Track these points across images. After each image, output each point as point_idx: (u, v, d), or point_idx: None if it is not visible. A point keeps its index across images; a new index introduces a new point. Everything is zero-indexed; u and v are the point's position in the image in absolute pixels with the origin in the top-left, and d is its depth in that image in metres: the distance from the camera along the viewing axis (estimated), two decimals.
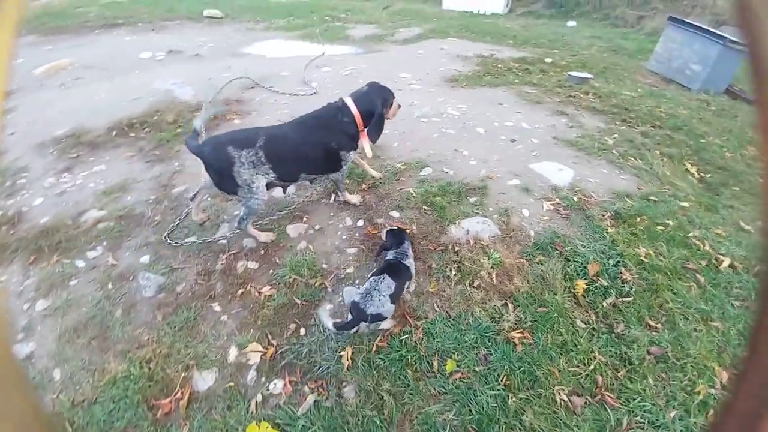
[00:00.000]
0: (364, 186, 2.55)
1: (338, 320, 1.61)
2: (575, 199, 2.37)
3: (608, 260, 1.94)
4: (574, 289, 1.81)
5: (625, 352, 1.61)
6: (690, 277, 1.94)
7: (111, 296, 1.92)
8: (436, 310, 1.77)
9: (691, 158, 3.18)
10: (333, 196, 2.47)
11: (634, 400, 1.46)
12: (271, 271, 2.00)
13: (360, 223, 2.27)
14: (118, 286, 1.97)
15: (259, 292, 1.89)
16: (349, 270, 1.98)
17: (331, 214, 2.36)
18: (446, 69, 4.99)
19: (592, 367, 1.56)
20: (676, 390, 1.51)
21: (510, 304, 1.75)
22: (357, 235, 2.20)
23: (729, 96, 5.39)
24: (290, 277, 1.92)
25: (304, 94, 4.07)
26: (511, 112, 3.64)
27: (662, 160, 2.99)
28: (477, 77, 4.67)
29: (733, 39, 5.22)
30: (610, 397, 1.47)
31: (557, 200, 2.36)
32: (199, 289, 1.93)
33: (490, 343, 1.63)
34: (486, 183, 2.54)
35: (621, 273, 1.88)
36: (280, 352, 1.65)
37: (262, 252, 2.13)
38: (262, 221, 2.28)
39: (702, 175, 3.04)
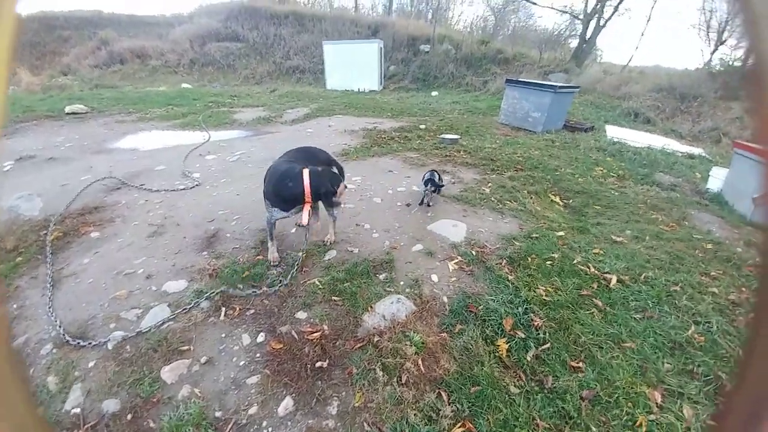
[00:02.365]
0: (264, 288, 2.25)
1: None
2: (474, 253, 2.47)
3: (518, 309, 1.98)
4: (498, 351, 1.75)
5: (562, 407, 1.55)
6: (589, 304, 2.09)
7: None
8: (366, 430, 1.49)
9: (553, 190, 3.75)
10: (223, 310, 2.10)
11: None
12: None
13: (261, 338, 1.93)
14: None
15: None
16: (252, 410, 1.59)
17: (223, 335, 1.96)
18: (336, 144, 5.23)
19: None
20: (618, 430, 1.47)
21: (443, 393, 1.58)
22: (258, 355, 1.84)
23: (567, 130, 6.83)
24: None
25: (183, 188, 3.69)
26: (401, 178, 3.87)
27: (531, 197, 3.44)
28: (365, 149, 4.97)
29: (561, 85, 6.77)
30: None
31: (459, 258, 2.43)
32: None
33: None
34: (392, 255, 2.49)
35: (532, 320, 1.92)
36: None
37: (129, 417, 1.59)
38: (125, 358, 1.75)
39: (566, 201, 3.57)
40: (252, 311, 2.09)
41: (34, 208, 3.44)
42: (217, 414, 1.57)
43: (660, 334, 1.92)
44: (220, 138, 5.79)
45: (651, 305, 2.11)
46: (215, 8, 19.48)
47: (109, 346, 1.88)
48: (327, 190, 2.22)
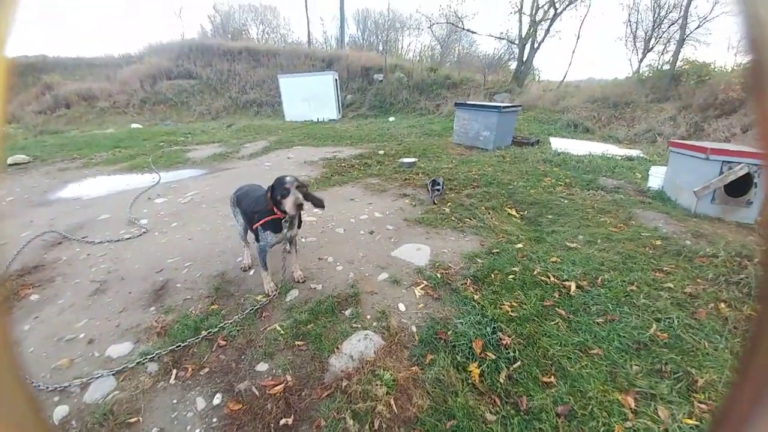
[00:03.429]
0: (219, 341, 2.07)
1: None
2: (439, 276, 2.46)
3: (486, 329, 1.97)
4: (471, 378, 1.71)
5: (539, 428, 1.52)
6: (553, 314, 2.12)
7: None
8: None
9: (508, 203, 3.90)
10: (174, 372, 1.89)
11: None
12: None
13: (217, 399, 1.75)
14: None
15: None
16: None
17: (174, 401, 1.76)
18: (296, 175, 5.16)
19: None
20: None
21: None
22: (215, 420, 1.66)
23: (516, 145, 7.24)
24: None
25: (129, 237, 3.42)
26: (363, 205, 3.86)
27: (489, 213, 3.55)
28: (326, 179, 4.94)
29: (505, 105, 7.21)
30: None
31: (425, 282, 2.40)
32: None
33: None
34: (357, 288, 2.42)
35: (501, 339, 1.91)
36: None
37: None
38: None
39: (521, 213, 3.70)
40: (206, 369, 1.91)
41: None
42: None
43: (624, 336, 1.97)
44: (171, 179, 5.53)
45: (611, 308, 2.18)
46: (166, 47, 19.25)
47: (55, 421, 1.65)
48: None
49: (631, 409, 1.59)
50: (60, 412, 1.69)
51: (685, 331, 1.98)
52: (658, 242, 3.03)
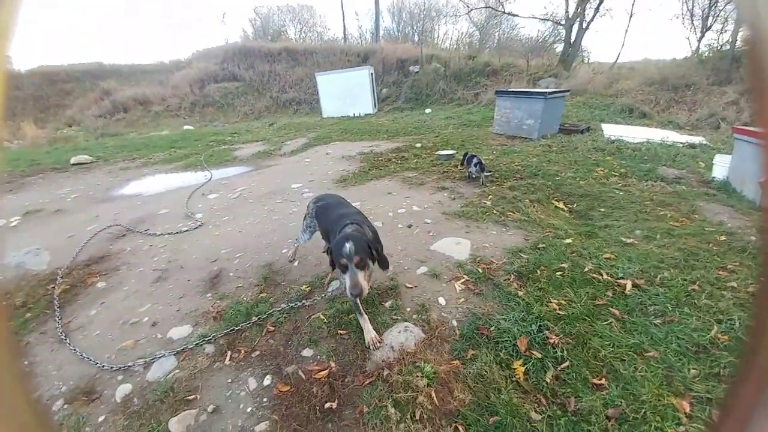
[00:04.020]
0: (268, 327, 2.20)
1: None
2: (480, 270, 2.41)
3: (531, 327, 1.90)
4: (515, 375, 1.67)
5: (588, 430, 1.46)
6: (605, 314, 2.00)
7: None
8: None
9: (555, 195, 3.70)
10: (229, 354, 2.05)
11: None
12: None
13: (267, 380, 1.87)
14: None
15: None
16: None
17: (229, 380, 1.91)
18: (335, 171, 5.29)
19: None
20: None
21: (460, 427, 1.49)
22: (266, 400, 1.78)
23: (563, 133, 6.83)
24: None
25: (187, 230, 3.72)
26: (401, 199, 3.87)
27: (534, 206, 3.39)
28: (363, 173, 5.01)
29: (551, 91, 6.82)
30: None
31: (465, 277, 2.37)
32: None
33: None
34: (396, 281, 2.45)
35: (548, 337, 1.84)
36: None
37: None
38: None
39: (570, 206, 3.51)
40: (257, 353, 2.04)
41: (41, 262, 3.50)
42: None
43: (682, 339, 1.81)
44: (221, 176, 5.91)
45: (670, 308, 2.01)
46: (212, 52, 20.44)
47: (117, 399, 1.85)
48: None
49: (685, 413, 1.48)
50: (123, 390, 1.87)
51: (746, 332, 1.78)
52: (723, 238, 2.73)
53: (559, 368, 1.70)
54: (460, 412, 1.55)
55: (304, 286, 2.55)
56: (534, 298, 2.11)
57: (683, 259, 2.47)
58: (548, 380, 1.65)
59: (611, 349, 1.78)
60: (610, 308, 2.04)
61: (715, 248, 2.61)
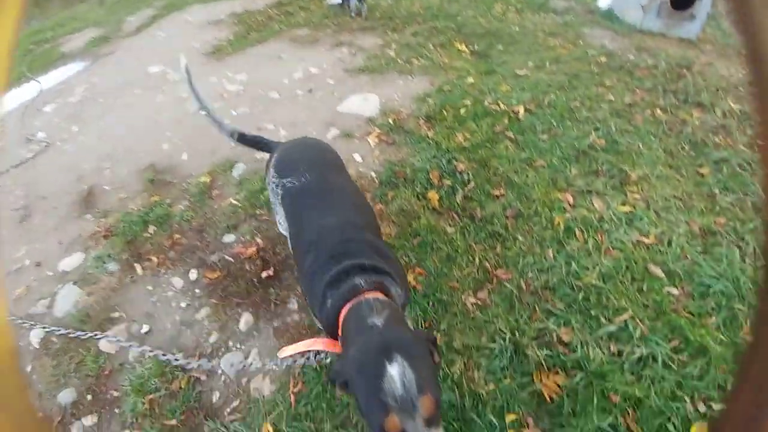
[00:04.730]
0: (174, 237, 1.96)
1: None
2: (391, 122, 2.35)
3: (442, 161, 2.01)
4: (431, 203, 1.82)
5: (492, 230, 1.73)
6: (502, 138, 2.18)
7: None
8: None
9: (458, 37, 3.54)
10: (138, 266, 1.84)
11: (519, 262, 1.59)
12: (116, 410, 1.42)
13: (193, 275, 1.77)
14: None
15: None
16: (213, 338, 1.55)
17: (150, 287, 1.77)
18: (202, 42, 4.21)
19: (477, 260, 1.62)
20: (541, 233, 1.70)
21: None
22: (198, 291, 1.71)
23: None
24: (145, 407, 1.38)
25: (33, 156, 2.86)
26: (294, 62, 3.33)
27: (437, 50, 3.22)
28: (241, 38, 4.08)
29: None
30: (502, 273, 1.57)
31: (378, 130, 2.30)
32: None
33: None
34: None
35: (456, 166, 1.97)
36: None
37: (90, 398, 1.48)
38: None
39: (471, 48, 3.42)
40: (172, 254, 1.87)
41: None
42: (179, 356, 1.51)
43: (565, 147, 2.11)
44: (54, 81, 4.33)
45: (555, 124, 2.27)
46: None
47: (35, 345, 1.65)
48: None
49: (569, 203, 1.82)
50: (36, 335, 1.66)
51: (621, 135, 2.15)
52: (603, 59, 3.01)
53: (466, 189, 1.88)
54: (388, 244, 1.69)
55: (204, 178, 2.24)
56: (442, 137, 2.17)
57: (567, 82, 2.70)
58: (458, 200, 1.84)
59: (507, 166, 2.01)
60: (506, 132, 2.22)
61: (596, 69, 2.87)
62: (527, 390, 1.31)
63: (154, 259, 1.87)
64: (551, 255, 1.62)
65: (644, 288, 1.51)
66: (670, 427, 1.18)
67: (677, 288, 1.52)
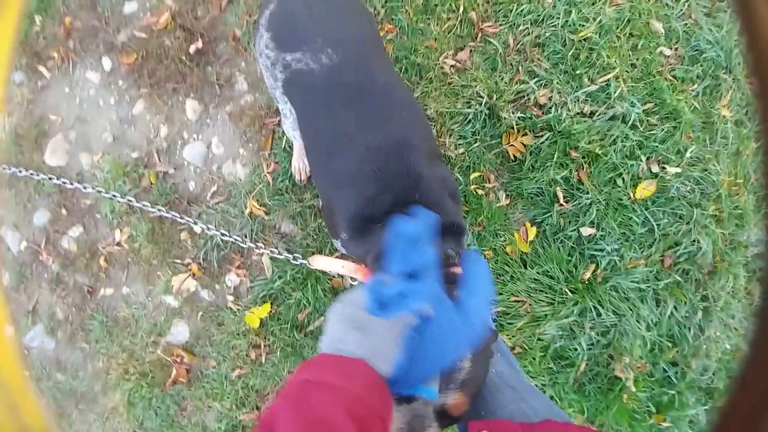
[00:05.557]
0: (66, 22, 1.33)
1: None
2: None
3: None
4: None
5: None
6: None
7: None
8: None
9: None
10: (41, 67, 1.32)
11: (512, 11, 1.32)
12: (97, 215, 1.36)
13: (107, 64, 1.42)
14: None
15: (117, 244, 1.37)
16: (163, 131, 1.41)
17: (66, 89, 1.46)
18: None
19: (461, 8, 1.30)
20: None
21: None
22: (121, 82, 1.42)
23: None
24: (124, 207, 1.29)
25: None
26: None
27: None
28: None
29: None
30: (489, 27, 1.32)
31: None
32: (74, 298, 1.42)
33: None
34: None
35: None
36: (202, 260, 1.33)
37: (65, 213, 1.36)
38: None
39: None
40: (71, 43, 1.36)
41: None
42: (134, 155, 1.33)
43: None
44: None
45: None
46: None
47: None
48: None
49: None
50: None
51: None
52: None
53: None
54: None
55: None
56: None
57: None
58: None
59: None
60: None
61: None
62: (494, 151, 1.33)
63: (55, 54, 1.42)
64: (550, 1, 1.32)
65: (639, 45, 1.36)
66: (619, 182, 1.30)
67: (671, 48, 1.39)
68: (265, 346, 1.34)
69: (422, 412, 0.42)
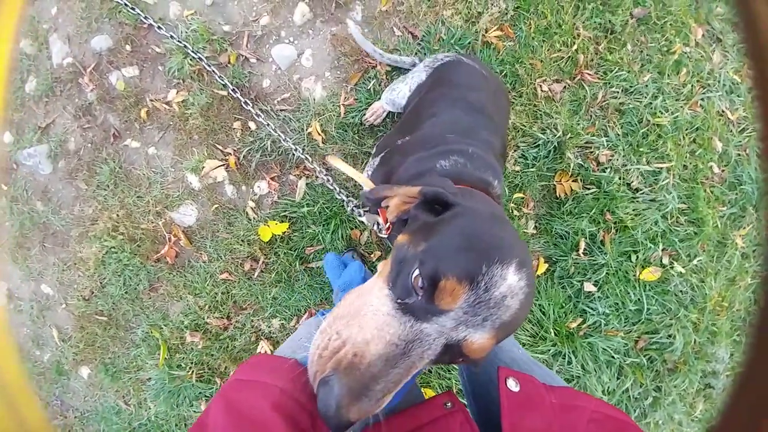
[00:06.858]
0: None
1: None
2: None
3: None
4: None
5: (609, 20, 1.40)
6: None
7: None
8: (397, 34, 1.31)
9: None
10: None
11: (612, 71, 1.40)
12: (160, 68, 1.28)
13: None
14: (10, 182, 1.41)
15: (167, 103, 1.28)
16: (264, 20, 1.29)
17: None
18: None
19: (574, 47, 1.38)
20: (652, 52, 1.43)
21: None
22: None
23: None
24: (193, 65, 1.25)
25: None
26: None
27: None
28: None
29: None
30: (589, 74, 1.39)
31: None
32: (95, 135, 1.34)
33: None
34: None
35: None
36: (242, 156, 1.30)
37: (128, 48, 1.30)
38: None
39: None
40: None
41: None
42: (225, 28, 1.29)
43: None
44: None
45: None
46: None
47: None
48: None
49: (695, 39, 1.49)
50: None
51: None
52: None
53: None
54: None
55: None
56: None
57: None
58: None
59: None
60: None
61: None
62: (543, 182, 1.40)
63: None
64: (646, 79, 1.42)
65: (697, 152, 1.49)
66: (634, 258, 1.40)
67: (719, 168, 1.53)
68: (263, 262, 1.32)
69: None
